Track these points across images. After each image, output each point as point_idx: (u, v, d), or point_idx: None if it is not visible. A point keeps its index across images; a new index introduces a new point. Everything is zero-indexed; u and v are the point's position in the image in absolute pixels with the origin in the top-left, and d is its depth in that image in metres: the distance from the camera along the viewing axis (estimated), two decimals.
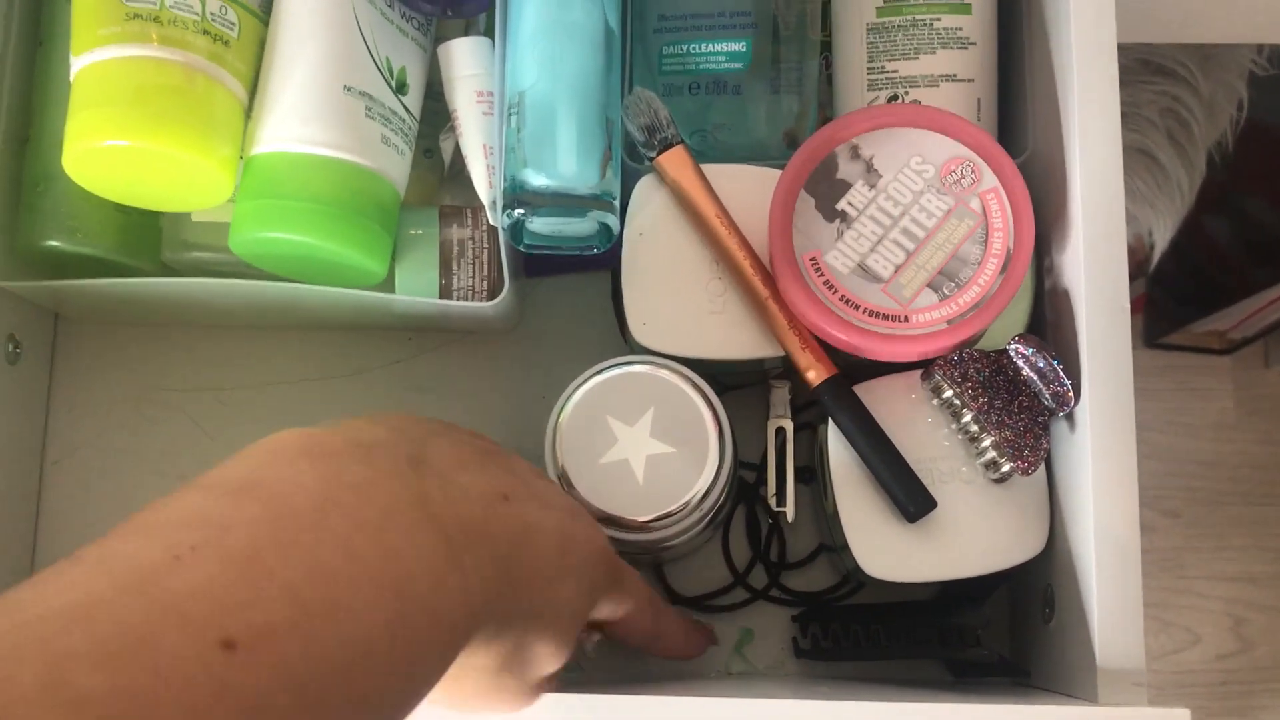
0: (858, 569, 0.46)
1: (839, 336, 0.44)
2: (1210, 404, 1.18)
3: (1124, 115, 0.44)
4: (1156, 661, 1.12)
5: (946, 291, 0.44)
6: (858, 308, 0.44)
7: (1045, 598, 0.47)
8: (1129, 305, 0.42)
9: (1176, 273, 1.07)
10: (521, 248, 0.48)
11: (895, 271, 0.44)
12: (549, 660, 0.36)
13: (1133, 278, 0.45)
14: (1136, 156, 0.80)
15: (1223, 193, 0.92)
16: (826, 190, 0.45)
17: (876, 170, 0.45)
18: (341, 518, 0.27)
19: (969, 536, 0.45)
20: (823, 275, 0.45)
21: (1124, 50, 0.44)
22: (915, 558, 0.46)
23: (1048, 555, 0.46)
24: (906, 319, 0.44)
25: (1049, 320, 0.48)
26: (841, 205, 0.45)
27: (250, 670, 0.23)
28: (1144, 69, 0.76)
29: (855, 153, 0.45)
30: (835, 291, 0.44)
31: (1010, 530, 0.46)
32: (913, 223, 0.45)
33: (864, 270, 0.45)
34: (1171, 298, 1.12)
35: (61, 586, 0.23)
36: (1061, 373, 0.43)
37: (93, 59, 0.44)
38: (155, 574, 0.23)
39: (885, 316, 0.44)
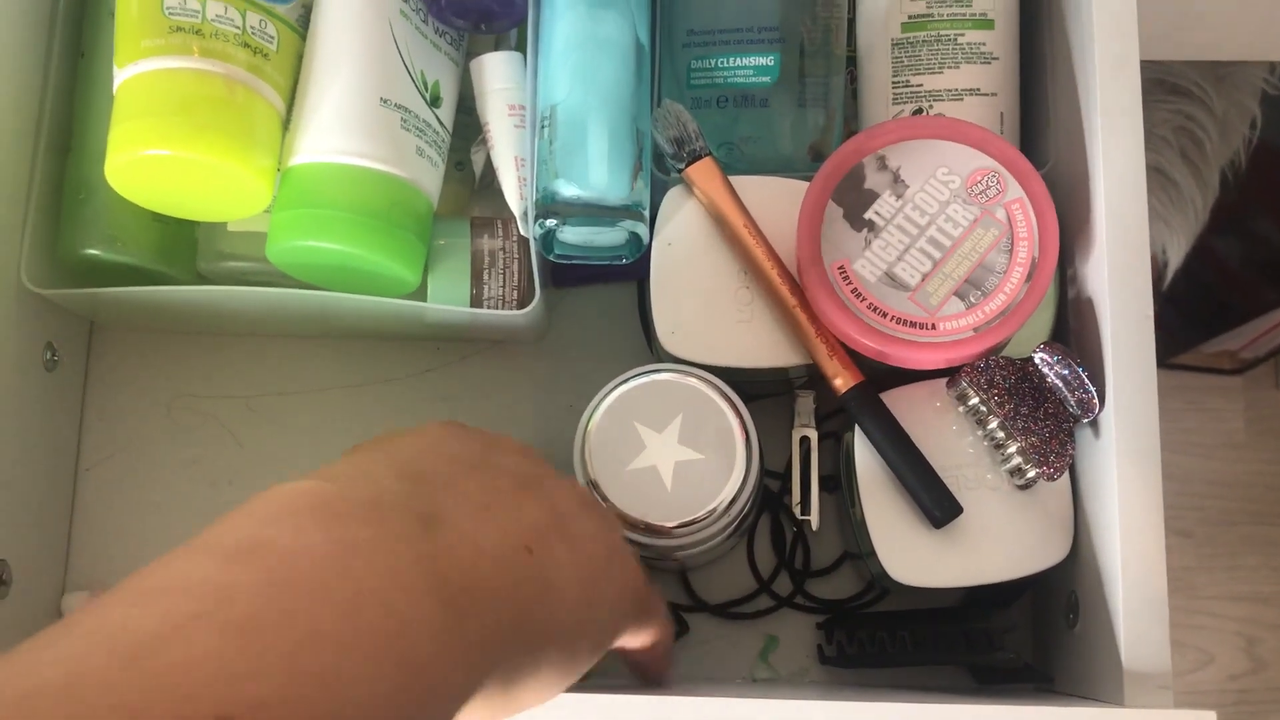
0: (883, 575, 0.47)
1: (866, 343, 0.45)
2: (1221, 424, 1.19)
3: None
4: None
5: (973, 299, 0.45)
6: (885, 315, 0.45)
7: (1069, 603, 0.47)
8: (1152, 313, 0.43)
9: (1187, 292, 1.07)
10: (552, 257, 0.49)
11: (922, 280, 0.45)
12: (543, 698, 0.34)
13: None
14: (1151, 174, 0.81)
15: (1234, 212, 0.92)
16: (854, 200, 0.46)
17: (903, 181, 0.46)
18: (345, 584, 0.26)
19: (994, 542, 0.46)
20: (850, 283, 0.45)
21: None
22: (941, 563, 0.46)
23: (1072, 561, 0.46)
24: (933, 326, 0.45)
25: (1073, 328, 0.49)
26: (869, 215, 0.46)
27: None
28: (1158, 88, 0.77)
29: (882, 163, 0.46)
30: (863, 299, 0.45)
31: (1035, 536, 0.46)
32: (939, 232, 0.45)
33: (891, 279, 0.45)
34: (1182, 317, 1.12)
35: (55, 657, 0.22)
36: (1086, 379, 0.44)
37: (136, 70, 0.45)
38: (152, 645, 0.22)
39: (912, 324, 0.45)
